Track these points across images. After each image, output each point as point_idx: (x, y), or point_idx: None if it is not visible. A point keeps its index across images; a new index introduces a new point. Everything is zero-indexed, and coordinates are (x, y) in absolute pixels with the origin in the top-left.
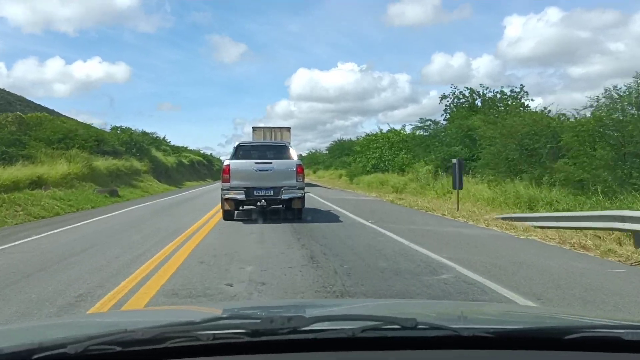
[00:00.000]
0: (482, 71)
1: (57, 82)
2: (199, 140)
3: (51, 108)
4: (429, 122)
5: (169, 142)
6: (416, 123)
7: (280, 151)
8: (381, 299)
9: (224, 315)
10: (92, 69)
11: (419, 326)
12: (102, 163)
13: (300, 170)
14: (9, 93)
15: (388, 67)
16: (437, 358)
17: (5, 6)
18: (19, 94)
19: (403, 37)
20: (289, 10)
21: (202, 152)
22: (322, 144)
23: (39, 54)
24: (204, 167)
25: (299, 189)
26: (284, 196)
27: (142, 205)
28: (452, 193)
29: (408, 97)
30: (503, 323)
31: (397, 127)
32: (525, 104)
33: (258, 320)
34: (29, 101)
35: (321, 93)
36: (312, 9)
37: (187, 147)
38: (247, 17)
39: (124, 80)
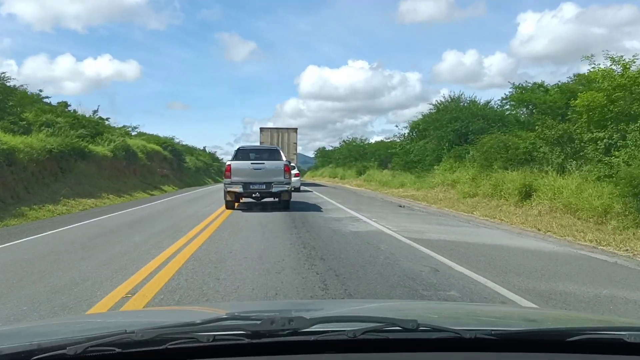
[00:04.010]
0: (494, 69)
1: (67, 80)
2: (208, 139)
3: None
4: None
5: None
6: None
7: (273, 154)
8: (382, 300)
9: (224, 316)
10: (103, 66)
11: (421, 328)
12: None
13: (287, 169)
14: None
15: (399, 65)
16: None
17: (15, 3)
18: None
19: (414, 35)
20: (299, 8)
21: (173, 139)
22: (334, 142)
23: (49, 52)
24: (165, 164)
25: (286, 183)
26: (274, 189)
27: None
28: None
29: (418, 95)
30: (505, 325)
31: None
32: None
33: (258, 322)
34: None
35: (331, 91)
36: (322, 7)
37: (135, 126)
38: (256, 14)
39: (134, 79)
